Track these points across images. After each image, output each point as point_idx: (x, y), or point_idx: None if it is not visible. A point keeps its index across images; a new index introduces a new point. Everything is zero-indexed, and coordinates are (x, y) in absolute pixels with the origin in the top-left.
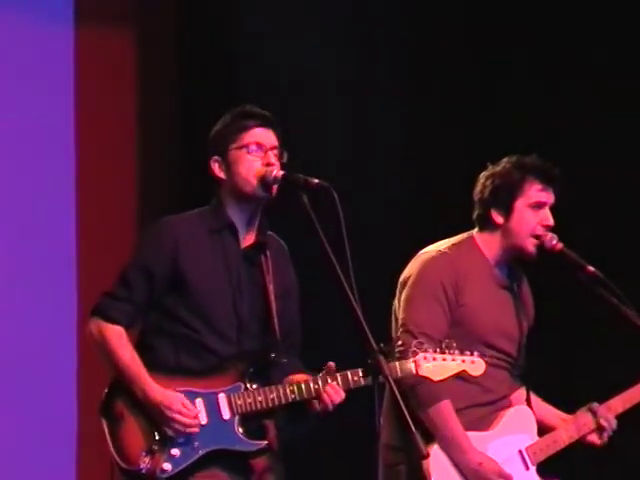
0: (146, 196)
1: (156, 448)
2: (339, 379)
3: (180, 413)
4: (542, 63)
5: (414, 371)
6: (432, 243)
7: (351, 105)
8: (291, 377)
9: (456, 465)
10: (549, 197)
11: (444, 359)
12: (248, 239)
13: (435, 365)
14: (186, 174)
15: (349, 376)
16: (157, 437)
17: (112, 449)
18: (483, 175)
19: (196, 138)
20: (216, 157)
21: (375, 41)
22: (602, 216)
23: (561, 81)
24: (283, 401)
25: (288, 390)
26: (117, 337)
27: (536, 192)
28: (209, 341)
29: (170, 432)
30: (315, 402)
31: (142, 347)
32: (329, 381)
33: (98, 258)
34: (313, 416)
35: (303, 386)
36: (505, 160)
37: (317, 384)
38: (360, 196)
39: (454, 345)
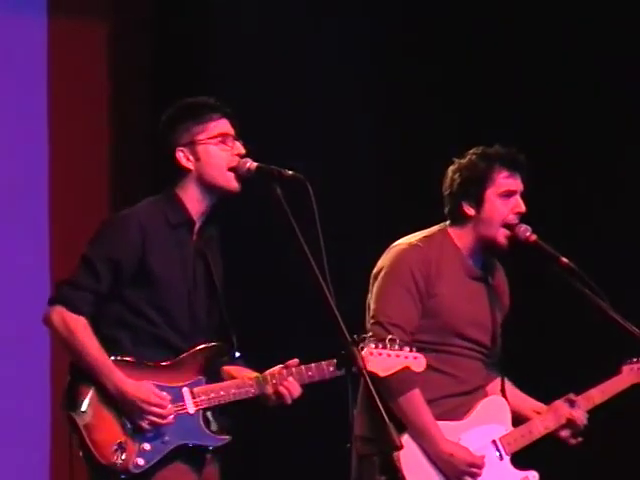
0: (119, 185)
1: (126, 442)
2: (314, 369)
3: (157, 405)
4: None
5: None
6: (408, 234)
7: (324, 97)
8: (229, 371)
9: (427, 455)
10: (517, 184)
11: (388, 355)
12: (198, 232)
13: (380, 361)
14: (159, 162)
15: (324, 366)
16: (126, 431)
17: (89, 444)
18: (450, 169)
19: None
20: (181, 148)
21: (349, 25)
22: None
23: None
24: (244, 396)
25: (247, 384)
26: (83, 328)
27: (504, 180)
28: (167, 335)
29: (145, 425)
30: (272, 396)
31: (100, 339)
32: (286, 376)
33: (70, 245)
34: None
35: (262, 381)
36: (470, 152)
37: (275, 379)
38: (332, 188)
39: (397, 340)
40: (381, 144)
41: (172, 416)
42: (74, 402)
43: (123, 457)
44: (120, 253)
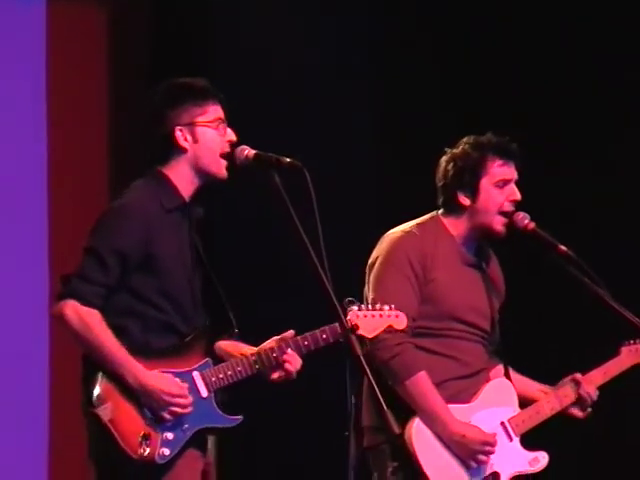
0: (118, 174)
1: (149, 433)
2: (309, 338)
3: (179, 396)
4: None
5: (367, 335)
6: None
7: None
8: (240, 347)
9: (439, 437)
10: (512, 172)
11: (372, 315)
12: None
13: (366, 322)
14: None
15: (318, 334)
16: (147, 422)
17: (117, 438)
18: (443, 160)
19: None
20: (181, 127)
21: (347, 22)
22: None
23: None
24: (249, 372)
25: (252, 361)
26: (98, 322)
27: (498, 169)
28: (174, 321)
29: (168, 416)
30: (275, 370)
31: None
32: (285, 349)
33: (70, 238)
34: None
35: (264, 356)
36: (462, 141)
37: (276, 352)
38: (330, 178)
39: (377, 301)
40: (379, 137)
41: (191, 405)
42: (94, 398)
43: (149, 448)
44: (126, 244)
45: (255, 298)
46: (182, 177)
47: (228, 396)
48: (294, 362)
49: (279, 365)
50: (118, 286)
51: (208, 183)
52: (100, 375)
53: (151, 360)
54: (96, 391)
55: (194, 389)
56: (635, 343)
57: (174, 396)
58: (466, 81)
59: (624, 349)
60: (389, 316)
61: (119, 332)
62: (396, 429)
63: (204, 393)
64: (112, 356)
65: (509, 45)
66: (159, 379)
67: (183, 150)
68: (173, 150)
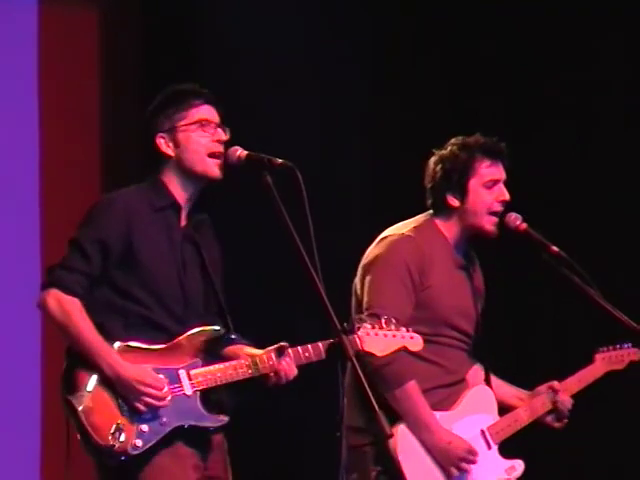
0: (111, 172)
1: (124, 424)
2: (305, 350)
3: (153, 387)
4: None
5: (359, 346)
6: (396, 222)
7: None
8: (236, 350)
9: (424, 444)
10: (500, 172)
11: (385, 335)
12: (186, 216)
13: (378, 340)
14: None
15: (320, 346)
16: (123, 413)
17: (87, 426)
18: (432, 161)
19: None
20: (162, 134)
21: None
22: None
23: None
24: (241, 376)
25: (244, 365)
26: (78, 310)
27: (487, 169)
28: (160, 318)
29: (141, 407)
30: (270, 377)
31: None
32: (282, 357)
33: (62, 231)
34: (252, 388)
35: (259, 362)
36: (450, 143)
37: (272, 360)
38: (322, 177)
39: (393, 321)
40: (372, 132)
41: (168, 398)
42: (71, 386)
43: (121, 439)
44: (106, 233)
45: (255, 301)
46: (174, 182)
47: (227, 396)
48: (289, 371)
49: (274, 372)
50: (100, 279)
51: (203, 185)
52: (79, 364)
53: (137, 355)
54: (73, 379)
55: (177, 386)
56: (608, 350)
57: (147, 386)
58: (453, 77)
59: (598, 356)
60: (403, 337)
61: (102, 329)
62: (388, 430)
63: (188, 391)
64: (89, 344)
65: (493, 37)
66: (134, 369)
67: (167, 156)
68: (160, 158)
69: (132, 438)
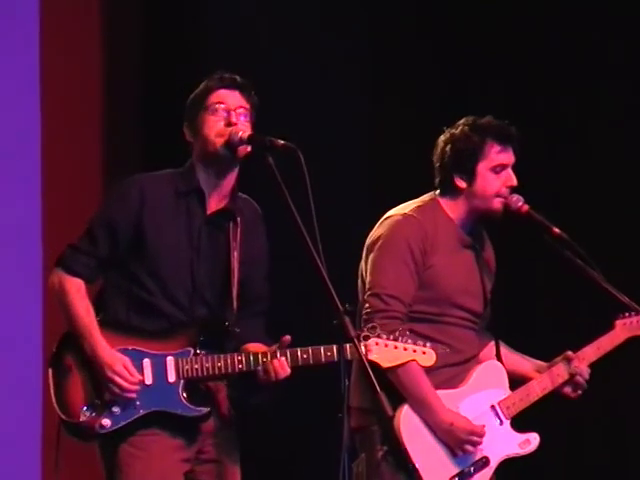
0: (112, 159)
1: (98, 403)
2: (310, 352)
3: (120, 375)
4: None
5: (365, 355)
6: (398, 205)
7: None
8: (246, 347)
9: (427, 425)
10: (510, 157)
11: (395, 347)
12: (216, 204)
13: (386, 352)
14: (152, 134)
15: (321, 351)
16: (100, 394)
17: (54, 400)
18: (441, 140)
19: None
20: (186, 122)
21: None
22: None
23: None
24: (230, 370)
25: (236, 360)
26: (75, 290)
27: (497, 154)
28: (161, 304)
29: (108, 391)
30: (260, 374)
31: (99, 304)
32: (278, 356)
33: (63, 230)
34: (269, 387)
35: (252, 357)
36: (462, 122)
37: (266, 357)
38: (325, 159)
39: (408, 334)
40: (374, 115)
41: (136, 388)
42: (58, 360)
43: (90, 416)
44: (116, 218)
45: None
46: (199, 169)
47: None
48: (281, 371)
49: (265, 369)
50: (112, 261)
51: (219, 169)
52: (67, 341)
53: (127, 336)
54: (63, 353)
55: (162, 372)
56: (630, 316)
57: (115, 373)
58: (457, 62)
59: (618, 322)
60: (415, 351)
61: (103, 307)
62: (389, 411)
63: (171, 378)
64: (78, 323)
65: (494, 28)
66: (110, 355)
67: (191, 144)
68: (190, 146)
69: (101, 417)
